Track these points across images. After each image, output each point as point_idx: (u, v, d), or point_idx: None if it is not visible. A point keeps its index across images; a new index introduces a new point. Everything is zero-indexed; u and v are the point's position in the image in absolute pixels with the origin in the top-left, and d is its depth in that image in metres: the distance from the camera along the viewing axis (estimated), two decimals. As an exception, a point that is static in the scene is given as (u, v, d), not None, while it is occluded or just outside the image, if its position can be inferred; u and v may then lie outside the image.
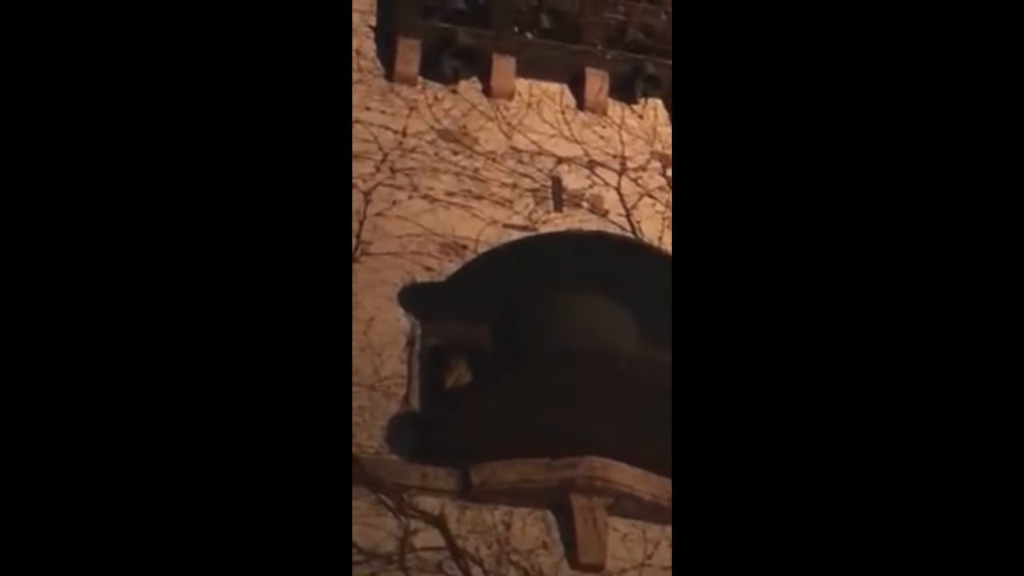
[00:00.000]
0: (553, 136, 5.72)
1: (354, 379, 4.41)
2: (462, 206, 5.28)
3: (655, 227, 5.40)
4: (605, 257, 4.95)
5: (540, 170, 5.54)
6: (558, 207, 5.41)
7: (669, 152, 5.70)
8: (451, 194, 5.32)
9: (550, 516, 4.22)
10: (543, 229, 5.24)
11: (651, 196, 5.54)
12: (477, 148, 5.56)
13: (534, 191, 5.44)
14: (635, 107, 5.95)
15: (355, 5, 5.98)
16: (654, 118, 5.94)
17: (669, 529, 4.14)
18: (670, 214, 5.41)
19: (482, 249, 5.06)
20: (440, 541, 4.10)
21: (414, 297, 4.89)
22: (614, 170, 5.62)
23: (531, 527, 4.19)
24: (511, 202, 5.36)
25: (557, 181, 5.51)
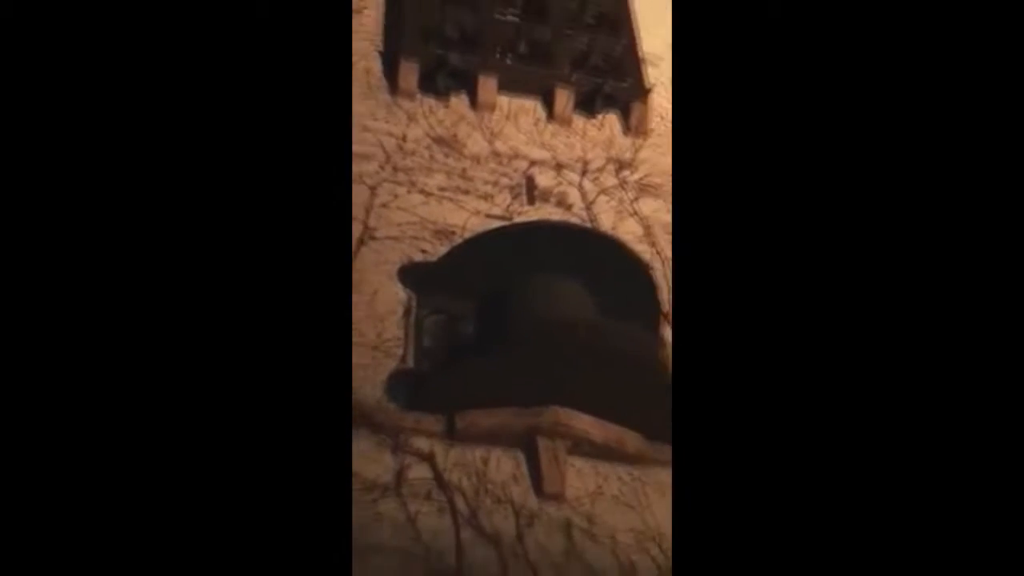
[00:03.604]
0: (527, 143, 5.70)
1: (359, 341, 4.47)
2: (451, 199, 5.25)
3: (610, 218, 5.38)
4: (568, 242, 4.93)
5: (516, 170, 5.52)
6: (531, 201, 5.39)
7: (623, 157, 5.74)
8: (443, 189, 5.29)
9: (520, 455, 4.19)
10: (518, 219, 5.22)
11: (606, 193, 5.52)
12: (464, 152, 5.53)
13: (511, 188, 5.41)
14: (594, 120, 5.93)
15: (365, 33, 6.02)
16: (610, 129, 5.91)
17: (618, 467, 4.25)
18: (623, 208, 5.47)
19: (468, 235, 5.03)
20: (429, 474, 4.07)
21: (411, 274, 4.85)
22: (577, 171, 5.61)
23: (504, 463, 4.16)
24: (492, 196, 5.33)
25: (530, 180, 5.48)
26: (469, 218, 5.16)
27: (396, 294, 4.75)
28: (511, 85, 5.90)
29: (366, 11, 6.20)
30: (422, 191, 5.23)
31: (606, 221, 5.34)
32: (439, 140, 5.55)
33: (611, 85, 5.97)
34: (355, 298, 4.65)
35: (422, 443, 4.13)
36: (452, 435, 4.16)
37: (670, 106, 6.15)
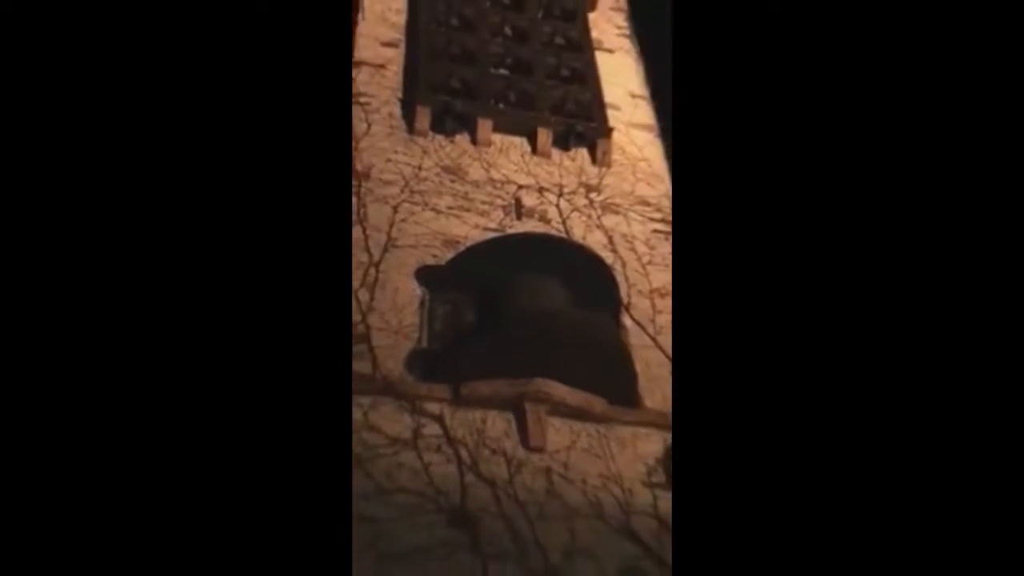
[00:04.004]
0: (516, 171, 5.73)
1: (385, 327, 4.52)
2: (456, 216, 5.27)
3: (580, 230, 5.41)
4: (548, 249, 4.98)
5: (507, 193, 5.54)
6: (519, 217, 5.40)
7: (591, 182, 5.77)
8: (450, 208, 5.32)
9: (510, 416, 4.19)
10: (509, 231, 5.23)
11: (578, 211, 5.55)
12: (466, 178, 5.56)
13: (503, 206, 5.43)
14: (569, 153, 5.97)
15: (388, 85, 6.08)
16: (581, 161, 5.95)
17: (588, 425, 4.22)
18: (591, 222, 5.48)
19: (469, 244, 5.05)
20: (439, 431, 4.08)
21: (425, 275, 4.87)
22: (555, 193, 5.64)
23: (498, 423, 4.17)
24: (488, 213, 5.35)
25: (518, 200, 5.51)
26: (470, 231, 5.18)
27: (413, 290, 4.79)
28: (503, 126, 5.97)
29: (389, 67, 6.28)
30: (433, 209, 5.27)
31: (578, 233, 5.38)
32: (447, 169, 5.58)
33: (582, 126, 6.07)
34: (380, 293, 4.68)
35: (433, 407, 4.14)
36: (457, 401, 4.17)
37: (628, 141, 6.21)
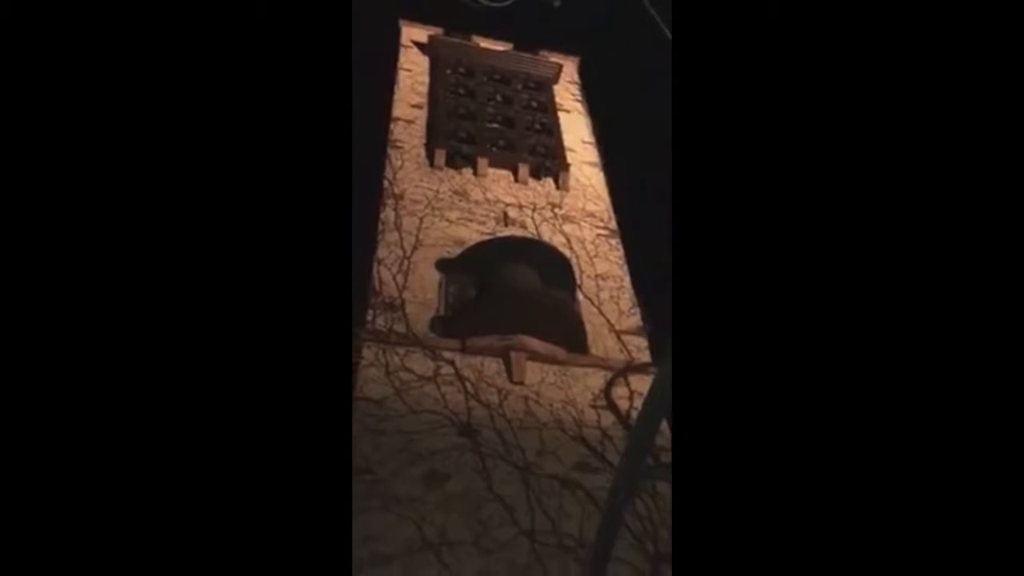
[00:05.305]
0: (504, 194, 5.63)
1: (414, 300, 4.42)
2: (463, 224, 5.18)
3: (548, 234, 5.33)
4: (526, 247, 4.93)
5: (498, 209, 5.44)
6: (506, 225, 5.31)
7: (555, 201, 5.65)
8: (459, 219, 5.22)
9: (500, 361, 4.14)
10: (499, 235, 5.15)
11: (546, 221, 5.46)
12: (470, 198, 5.46)
13: (495, 218, 5.34)
14: (540, 182, 5.86)
15: (415, 133, 5.92)
16: (549, 186, 5.84)
17: (553, 367, 4.14)
18: (555, 229, 5.36)
19: (472, 243, 4.97)
20: (452, 371, 4.01)
21: (442, 265, 4.79)
22: (530, 209, 5.55)
23: (492, 365, 4.11)
24: (485, 223, 5.26)
25: (505, 214, 5.41)
26: (472, 234, 5.11)
27: (434, 275, 4.70)
28: (495, 163, 5.86)
29: (417, 122, 6.12)
30: (447, 220, 5.18)
31: (546, 236, 5.31)
32: (456, 192, 5.48)
33: (549, 162, 5.96)
34: (411, 277, 4.59)
35: (447, 355, 4.09)
36: (464, 350, 4.12)
37: (581, 173, 6.07)
